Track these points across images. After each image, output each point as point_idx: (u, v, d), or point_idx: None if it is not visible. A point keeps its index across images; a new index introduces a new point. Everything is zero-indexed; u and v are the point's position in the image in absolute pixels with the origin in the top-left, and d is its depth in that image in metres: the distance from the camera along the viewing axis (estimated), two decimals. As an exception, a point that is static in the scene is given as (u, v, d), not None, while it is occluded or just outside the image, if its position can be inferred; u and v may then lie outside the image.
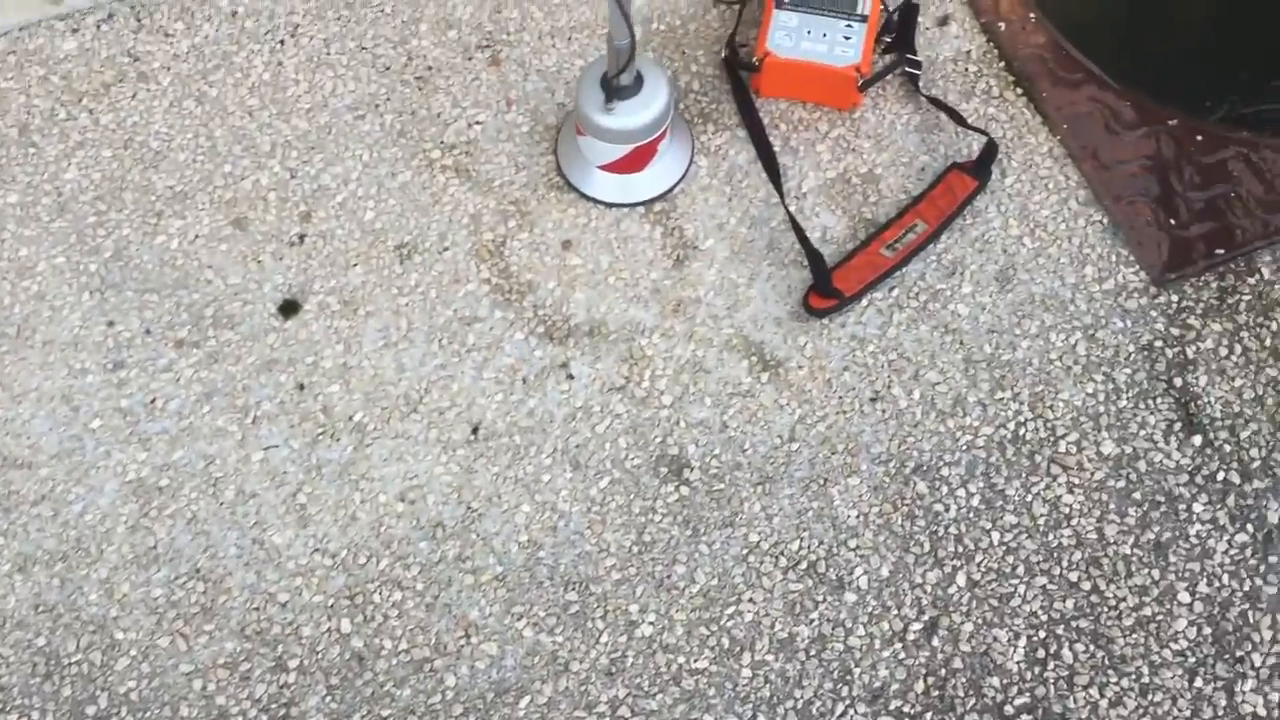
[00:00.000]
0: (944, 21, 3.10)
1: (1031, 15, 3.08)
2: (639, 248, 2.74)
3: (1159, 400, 2.54)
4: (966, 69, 3.03)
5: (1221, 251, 2.73)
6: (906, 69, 2.97)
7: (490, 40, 3.05)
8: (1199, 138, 2.87)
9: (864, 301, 2.65)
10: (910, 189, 2.86)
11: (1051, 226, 2.80)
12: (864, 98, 2.91)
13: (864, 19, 2.88)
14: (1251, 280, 2.72)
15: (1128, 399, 2.55)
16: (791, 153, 2.92)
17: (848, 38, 2.85)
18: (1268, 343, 2.64)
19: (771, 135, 2.87)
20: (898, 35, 2.90)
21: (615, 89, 2.53)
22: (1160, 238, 2.75)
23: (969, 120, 2.85)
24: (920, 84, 2.95)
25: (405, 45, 3.04)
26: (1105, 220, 2.81)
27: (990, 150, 2.80)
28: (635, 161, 2.73)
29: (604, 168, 2.73)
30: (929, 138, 2.94)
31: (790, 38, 2.87)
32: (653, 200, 2.78)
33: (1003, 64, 3.03)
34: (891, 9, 2.95)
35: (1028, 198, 2.84)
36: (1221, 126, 2.89)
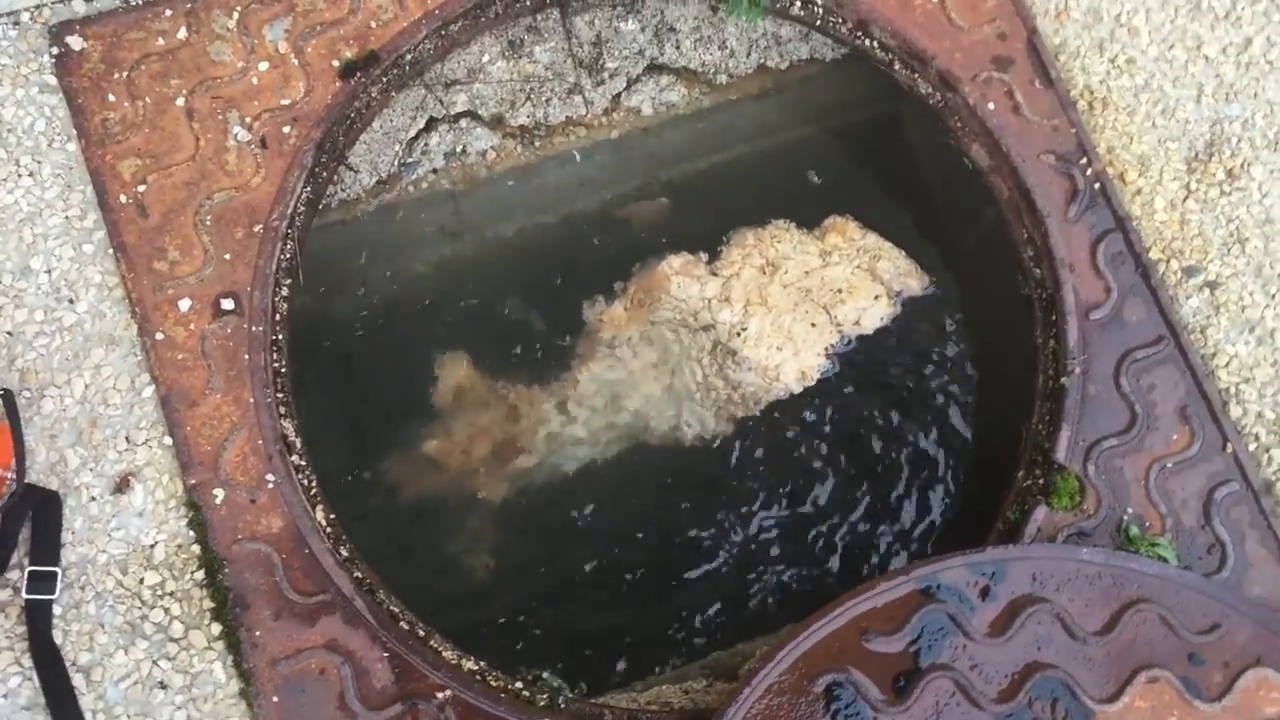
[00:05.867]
0: (123, 486, 2.48)
1: (271, 479, 2.51)
2: None
3: None
4: (141, 582, 2.44)
5: None
6: (29, 602, 2.35)
7: None
8: (479, 726, 2.40)
9: None
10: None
11: None
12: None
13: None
14: None
15: None
16: None
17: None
18: None
19: None
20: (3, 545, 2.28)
21: None
22: None
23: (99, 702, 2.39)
24: (55, 614, 2.45)
25: None
26: None
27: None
28: None
29: None
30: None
31: None
32: None
33: (203, 572, 2.43)
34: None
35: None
36: (518, 709, 2.44)
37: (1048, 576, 2.58)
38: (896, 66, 3.07)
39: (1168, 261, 2.89)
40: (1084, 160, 2.95)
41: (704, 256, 3.37)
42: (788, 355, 3.21)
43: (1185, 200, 2.94)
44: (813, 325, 3.24)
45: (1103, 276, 2.87)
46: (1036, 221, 2.91)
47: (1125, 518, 2.70)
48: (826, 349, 3.26)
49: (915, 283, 3.33)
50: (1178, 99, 3.00)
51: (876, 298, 3.29)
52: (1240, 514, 2.73)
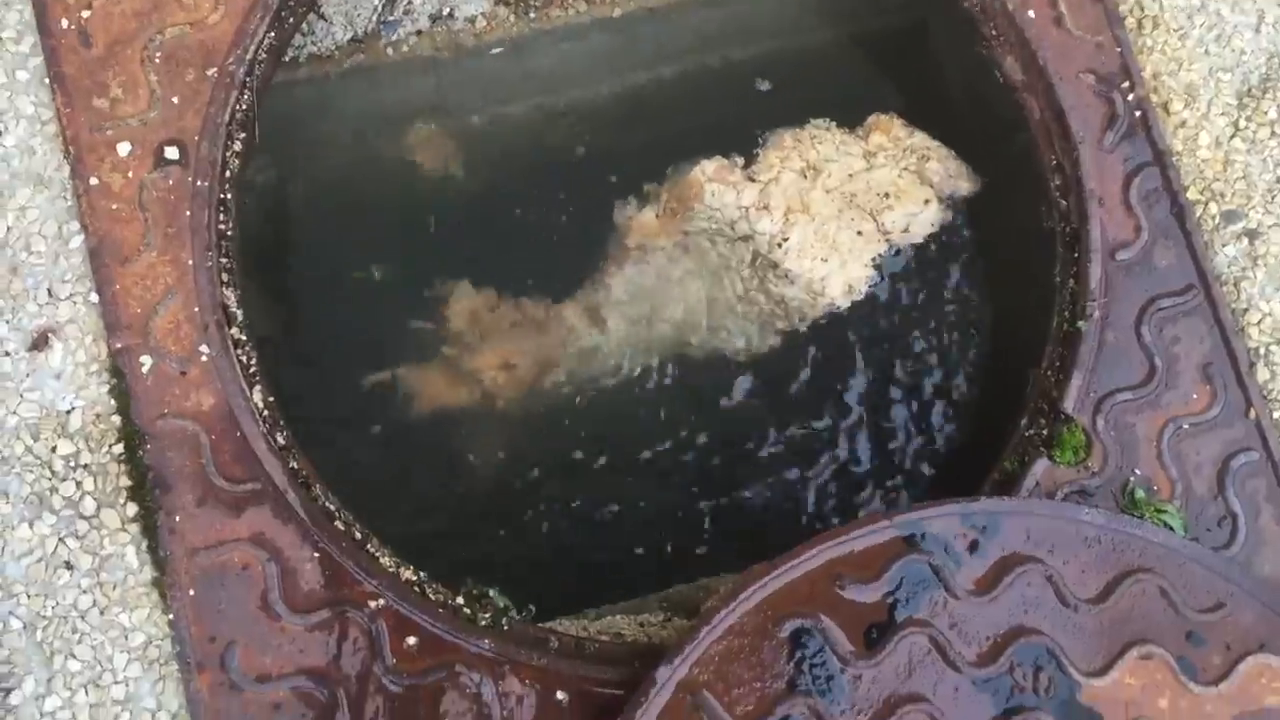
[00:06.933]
0: (41, 342, 2.21)
1: (205, 350, 2.26)
2: None
3: None
4: (53, 450, 2.25)
5: None
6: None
7: None
8: (411, 639, 2.19)
9: None
10: None
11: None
12: None
13: None
14: None
15: None
16: None
17: None
18: None
19: None
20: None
21: None
22: None
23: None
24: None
25: None
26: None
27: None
28: None
29: None
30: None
31: None
32: None
33: (122, 446, 2.19)
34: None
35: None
36: (457, 627, 2.21)
37: (1042, 535, 2.36)
38: (932, -38, 2.74)
39: (1206, 204, 2.62)
40: (1126, 84, 2.66)
41: (739, 160, 3.05)
42: (834, 267, 2.95)
43: (1232, 139, 2.65)
44: (859, 234, 2.96)
45: (1134, 214, 2.60)
46: (1068, 148, 2.63)
47: (1132, 479, 2.47)
48: (874, 259, 2.98)
49: (967, 185, 3.05)
50: (1235, 25, 2.71)
51: (926, 202, 3.01)
52: (1257, 486, 2.50)
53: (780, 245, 2.92)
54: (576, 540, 2.91)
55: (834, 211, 2.94)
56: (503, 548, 2.88)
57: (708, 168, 2.98)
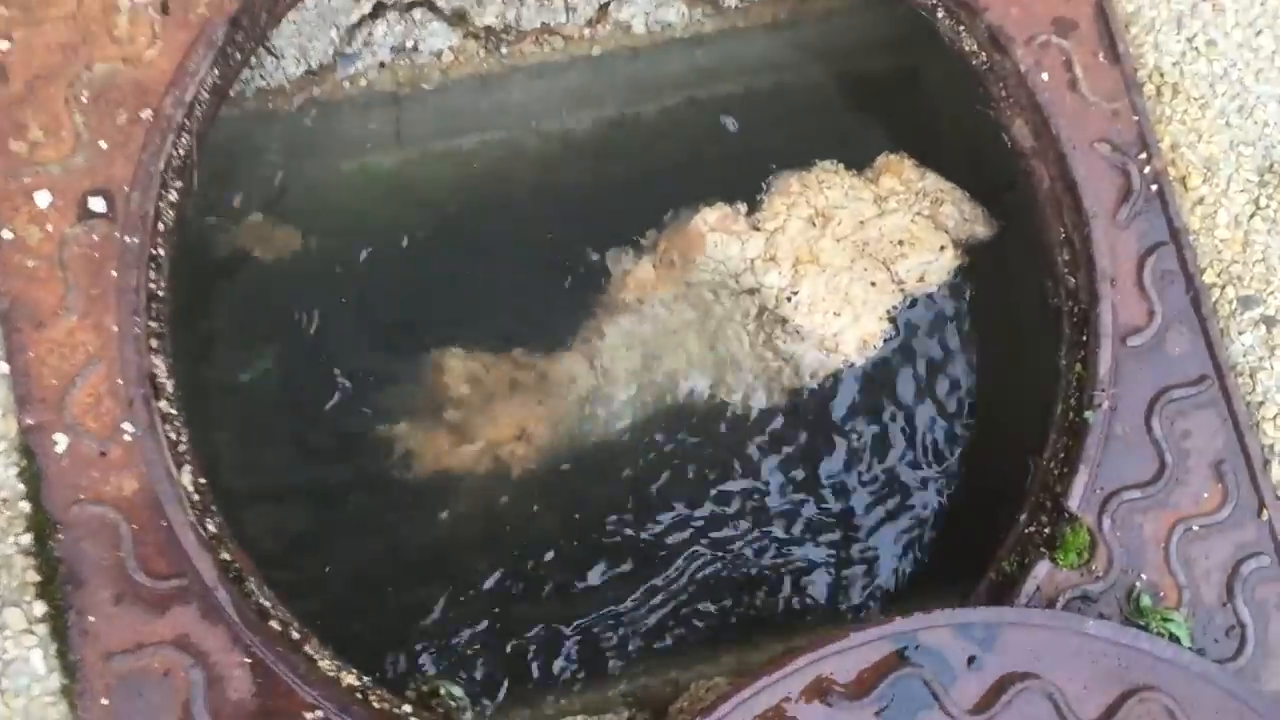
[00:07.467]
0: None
1: (128, 429, 2.00)
2: None
3: None
4: None
5: None
6: None
7: None
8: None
9: None
10: None
11: None
12: None
13: None
14: None
15: None
16: None
17: None
18: None
19: None
20: None
21: None
22: None
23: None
24: None
25: None
26: None
27: None
28: None
29: None
30: None
31: None
32: None
33: (30, 536, 1.94)
34: None
35: None
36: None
37: (1043, 648, 2.17)
38: (940, 15, 2.54)
39: (1223, 288, 2.43)
40: (1143, 155, 2.46)
41: (742, 207, 2.83)
42: (847, 321, 2.77)
43: (1252, 218, 2.46)
44: (872, 285, 2.78)
45: (1147, 297, 2.40)
46: (1079, 221, 2.43)
47: (1138, 584, 2.28)
48: (889, 311, 2.82)
49: (983, 229, 2.88)
50: (1258, 96, 2.51)
51: (942, 248, 2.84)
52: (1268, 594, 2.32)
53: (789, 299, 2.70)
54: (539, 616, 2.68)
55: (846, 262, 2.74)
56: (461, 621, 2.64)
57: (709, 216, 2.75)
